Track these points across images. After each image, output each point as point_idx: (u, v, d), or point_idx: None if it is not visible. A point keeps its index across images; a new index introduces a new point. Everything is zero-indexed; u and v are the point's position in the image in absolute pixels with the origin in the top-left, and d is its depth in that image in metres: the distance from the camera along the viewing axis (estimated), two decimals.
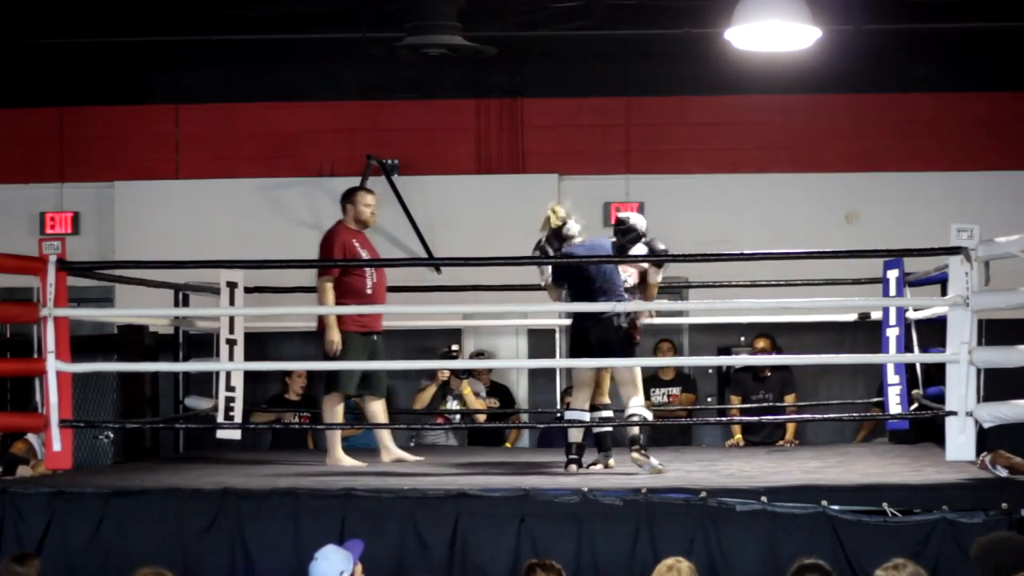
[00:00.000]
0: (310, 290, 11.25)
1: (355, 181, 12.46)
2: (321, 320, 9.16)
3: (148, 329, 10.86)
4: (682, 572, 6.04)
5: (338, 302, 9.05)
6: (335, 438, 9.24)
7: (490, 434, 11.75)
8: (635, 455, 8.46)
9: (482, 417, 11.45)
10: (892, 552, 6.32)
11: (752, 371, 11.55)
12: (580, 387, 8.73)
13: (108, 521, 7.54)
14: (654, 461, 8.45)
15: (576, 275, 8.56)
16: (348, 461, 9.14)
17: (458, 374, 11.30)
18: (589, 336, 8.48)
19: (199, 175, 13.06)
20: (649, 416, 8.67)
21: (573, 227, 8.64)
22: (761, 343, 11.41)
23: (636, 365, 8.87)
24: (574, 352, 8.68)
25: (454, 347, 11.56)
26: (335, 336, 9.01)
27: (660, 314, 10.90)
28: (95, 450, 12.44)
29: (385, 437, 9.41)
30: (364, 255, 9.26)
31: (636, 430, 8.52)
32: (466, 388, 11.35)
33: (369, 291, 9.16)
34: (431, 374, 11.59)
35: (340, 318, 9.02)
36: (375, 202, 9.41)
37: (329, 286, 9.04)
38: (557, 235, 8.63)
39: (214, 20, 12.37)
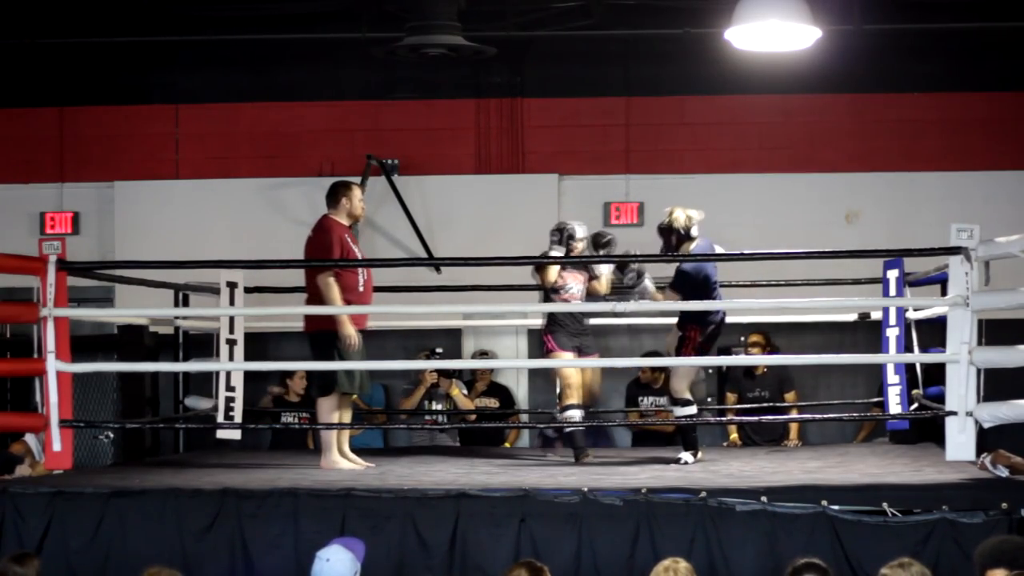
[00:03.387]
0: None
1: (355, 181, 12.46)
2: (318, 319, 8.86)
3: (148, 329, 10.86)
4: (679, 572, 6.04)
5: None
6: (332, 439, 8.96)
7: (490, 434, 11.75)
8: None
9: (472, 416, 11.45)
10: (892, 552, 6.33)
11: (746, 367, 11.46)
12: (686, 379, 9.15)
13: (108, 521, 7.54)
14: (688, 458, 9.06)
15: (701, 277, 8.96)
16: (346, 464, 8.94)
17: (447, 375, 11.26)
18: (717, 333, 9.07)
19: (199, 175, 13.05)
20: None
21: (696, 230, 9.06)
22: (753, 339, 11.31)
23: (633, 366, 9.03)
24: (701, 347, 9.09)
25: (438, 349, 11.54)
26: (351, 331, 8.71)
27: (661, 314, 10.92)
28: (95, 450, 12.44)
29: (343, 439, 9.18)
30: (356, 250, 9.02)
31: None
32: (455, 390, 11.34)
33: (361, 288, 8.92)
34: (416, 378, 11.56)
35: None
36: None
37: (333, 281, 8.71)
38: (686, 234, 9.05)
39: (214, 20, 12.37)
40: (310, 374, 9.25)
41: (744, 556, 7.17)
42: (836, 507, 7.19)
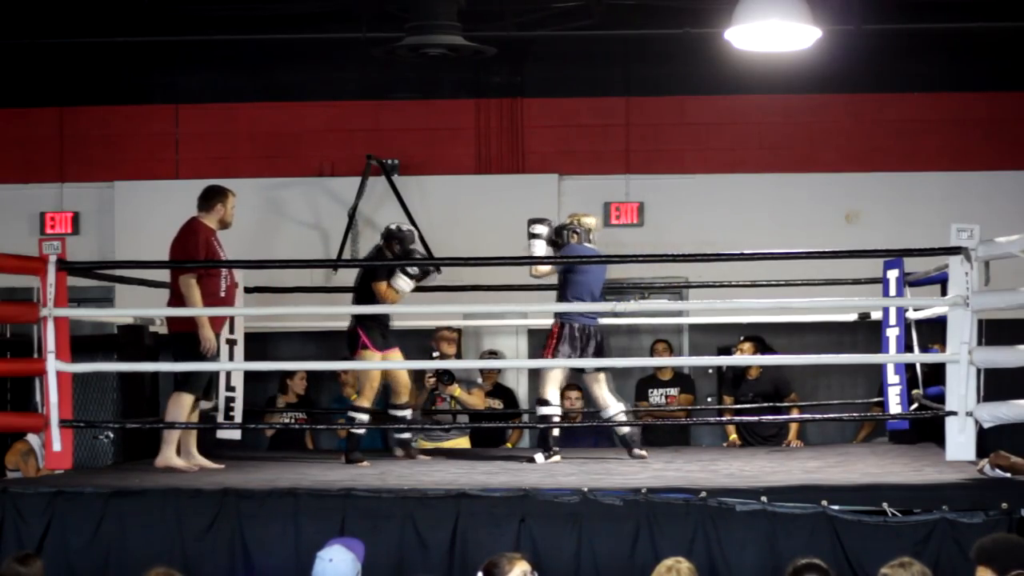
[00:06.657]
0: (310, 290, 11.30)
1: (355, 181, 12.50)
2: (181, 320, 8.85)
3: (148, 329, 10.85)
4: (681, 572, 6.04)
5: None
6: (173, 437, 8.96)
7: (491, 434, 11.74)
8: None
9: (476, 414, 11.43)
10: (892, 552, 6.34)
11: (739, 371, 11.38)
12: (551, 379, 9.65)
13: (108, 521, 7.55)
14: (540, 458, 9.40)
15: (584, 271, 9.45)
16: (179, 463, 8.93)
17: (442, 379, 11.18)
18: (586, 337, 9.50)
19: (199, 175, 12.98)
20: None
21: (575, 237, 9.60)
22: (743, 346, 11.18)
23: (631, 365, 9.10)
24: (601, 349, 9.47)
25: (435, 353, 11.53)
26: (211, 334, 8.76)
27: (660, 314, 10.94)
28: (95, 450, 12.44)
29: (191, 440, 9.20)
30: (223, 254, 9.04)
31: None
32: (457, 391, 11.31)
33: (223, 293, 8.96)
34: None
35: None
36: None
37: (193, 282, 8.73)
38: (587, 236, 9.62)
39: (214, 20, 12.37)
40: (178, 372, 9.19)
41: (744, 556, 7.17)
42: (836, 507, 7.20)
